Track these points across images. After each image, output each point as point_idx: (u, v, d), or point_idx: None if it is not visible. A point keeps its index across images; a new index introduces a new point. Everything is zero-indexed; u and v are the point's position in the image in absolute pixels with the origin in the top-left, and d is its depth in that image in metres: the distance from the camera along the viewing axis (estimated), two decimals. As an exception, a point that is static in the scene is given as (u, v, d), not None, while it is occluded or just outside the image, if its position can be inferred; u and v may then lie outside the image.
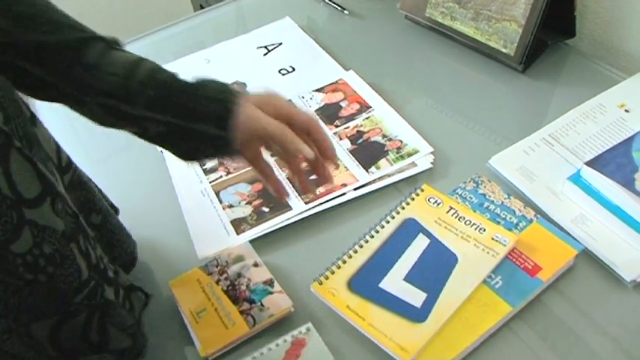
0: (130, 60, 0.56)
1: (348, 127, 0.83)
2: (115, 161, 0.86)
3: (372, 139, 0.81)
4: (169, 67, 0.58)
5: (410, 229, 0.68)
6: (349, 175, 0.76)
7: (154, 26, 1.12)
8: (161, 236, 0.73)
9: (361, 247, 0.66)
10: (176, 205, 0.77)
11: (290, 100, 0.85)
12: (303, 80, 0.93)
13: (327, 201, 0.73)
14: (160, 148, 0.60)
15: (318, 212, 0.73)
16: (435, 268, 0.64)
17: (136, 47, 1.07)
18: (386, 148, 0.79)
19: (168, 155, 0.68)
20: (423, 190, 0.71)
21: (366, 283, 0.63)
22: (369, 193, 0.75)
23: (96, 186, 0.65)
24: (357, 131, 0.83)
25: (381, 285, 0.63)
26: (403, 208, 0.70)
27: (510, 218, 0.68)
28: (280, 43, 1.02)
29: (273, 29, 1.06)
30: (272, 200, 0.74)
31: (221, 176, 0.79)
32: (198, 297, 0.64)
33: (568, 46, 0.95)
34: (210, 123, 0.55)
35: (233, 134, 0.55)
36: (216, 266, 0.67)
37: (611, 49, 0.93)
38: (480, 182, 0.73)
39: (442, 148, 0.79)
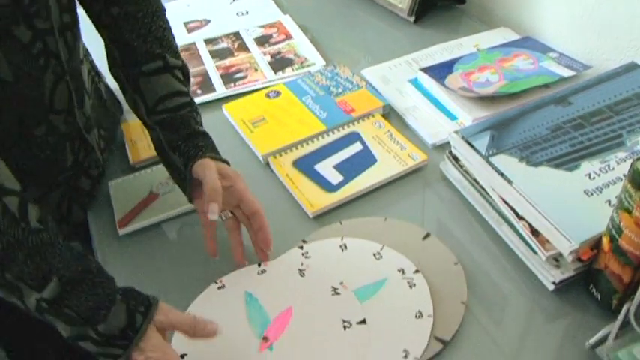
0: (170, 90, 0.73)
1: (272, 49, 1.14)
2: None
3: (287, 56, 1.11)
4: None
5: (352, 137, 0.89)
6: (262, 75, 1.06)
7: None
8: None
9: (312, 142, 0.89)
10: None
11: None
12: (251, 20, 1.25)
13: (248, 92, 1.03)
14: None
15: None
16: (357, 164, 0.84)
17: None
18: (293, 62, 1.09)
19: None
20: (373, 116, 0.93)
21: (305, 164, 0.85)
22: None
23: None
24: (278, 51, 1.13)
25: (316, 167, 0.84)
26: (354, 124, 0.91)
27: (348, 85, 0.99)
28: (244, -4, 1.34)
29: (242, -13, 1.38)
30: (203, 88, 1.04)
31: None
32: None
33: (459, 9, 1.23)
34: (181, 159, 0.71)
35: (191, 175, 0.70)
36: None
37: (489, 12, 1.21)
38: (336, 66, 1.04)
39: (333, 63, 1.08)
